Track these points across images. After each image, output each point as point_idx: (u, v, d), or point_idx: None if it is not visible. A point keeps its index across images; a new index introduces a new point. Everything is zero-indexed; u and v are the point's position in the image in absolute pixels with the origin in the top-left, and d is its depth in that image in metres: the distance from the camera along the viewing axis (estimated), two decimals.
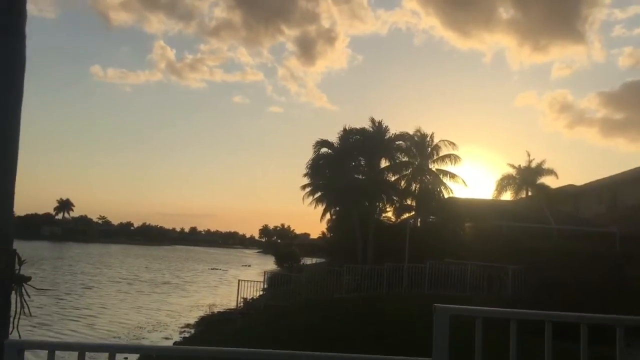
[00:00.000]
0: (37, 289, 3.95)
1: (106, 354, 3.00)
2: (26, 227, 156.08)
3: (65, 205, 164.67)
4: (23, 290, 3.81)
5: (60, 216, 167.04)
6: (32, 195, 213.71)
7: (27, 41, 3.92)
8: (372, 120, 40.10)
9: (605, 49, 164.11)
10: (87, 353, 3.03)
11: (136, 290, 41.65)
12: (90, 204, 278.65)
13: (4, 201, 3.79)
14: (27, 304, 3.82)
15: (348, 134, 39.82)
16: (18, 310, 3.80)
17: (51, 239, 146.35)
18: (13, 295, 3.74)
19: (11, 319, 3.75)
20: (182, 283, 51.35)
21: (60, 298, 33.95)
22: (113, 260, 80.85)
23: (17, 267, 3.75)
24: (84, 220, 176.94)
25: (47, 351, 3.02)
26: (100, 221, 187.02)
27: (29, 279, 3.84)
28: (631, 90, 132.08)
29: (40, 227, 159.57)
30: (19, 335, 3.68)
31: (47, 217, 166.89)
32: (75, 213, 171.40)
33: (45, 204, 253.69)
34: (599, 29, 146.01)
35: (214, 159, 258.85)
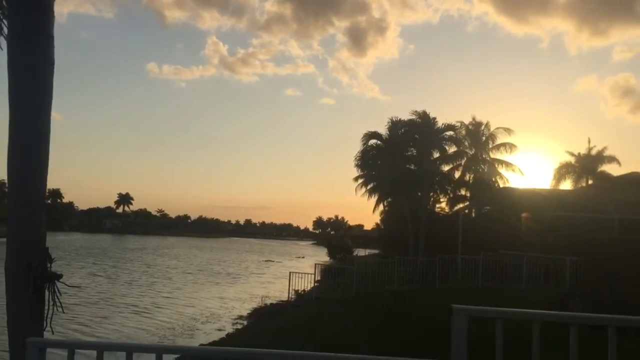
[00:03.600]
0: (68, 285, 3.97)
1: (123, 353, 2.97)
2: (89, 221, 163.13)
3: (125, 199, 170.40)
4: (55, 288, 3.83)
5: (120, 210, 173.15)
6: (94, 190, 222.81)
7: (56, 42, 3.94)
8: (417, 112, 39.43)
9: None
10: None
11: (210, 282, 42.77)
12: (149, 197, 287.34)
13: (37, 203, 3.83)
14: (59, 301, 3.85)
15: (396, 125, 39.32)
16: (51, 307, 3.82)
17: (112, 231, 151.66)
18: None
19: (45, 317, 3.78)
20: (248, 274, 52.24)
21: (148, 287, 36.31)
22: (179, 252, 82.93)
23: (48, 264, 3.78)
24: (143, 213, 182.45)
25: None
26: (158, 214, 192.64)
27: (61, 276, 3.86)
28: None
29: (102, 220, 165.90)
30: (52, 332, 3.71)
31: (108, 210, 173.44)
32: (135, 206, 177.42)
33: (106, 198, 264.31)
34: None
35: (268, 151, 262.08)
